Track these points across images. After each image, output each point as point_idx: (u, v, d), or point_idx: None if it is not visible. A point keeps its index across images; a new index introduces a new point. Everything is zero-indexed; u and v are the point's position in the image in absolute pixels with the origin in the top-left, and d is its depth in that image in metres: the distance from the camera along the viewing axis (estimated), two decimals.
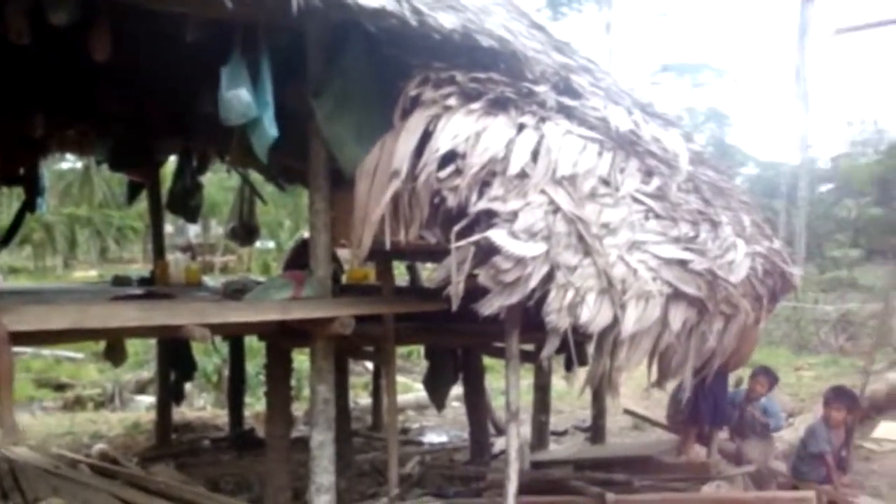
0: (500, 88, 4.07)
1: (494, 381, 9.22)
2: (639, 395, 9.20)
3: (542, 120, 4.02)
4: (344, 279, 6.68)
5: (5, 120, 6.51)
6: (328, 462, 4.53)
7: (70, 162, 22.86)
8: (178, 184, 7.76)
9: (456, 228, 3.50)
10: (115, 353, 6.43)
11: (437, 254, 3.91)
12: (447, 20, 3.96)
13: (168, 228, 23.91)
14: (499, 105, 3.96)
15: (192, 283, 6.80)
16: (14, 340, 3.58)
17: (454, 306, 3.49)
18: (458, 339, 6.04)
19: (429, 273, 7.32)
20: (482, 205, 3.52)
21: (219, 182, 21.22)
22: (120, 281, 6.95)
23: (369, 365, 9.90)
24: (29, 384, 12.19)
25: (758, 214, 5.11)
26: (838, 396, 6.44)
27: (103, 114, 6.98)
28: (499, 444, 7.30)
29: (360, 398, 10.27)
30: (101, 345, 7.75)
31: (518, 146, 3.76)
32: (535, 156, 3.77)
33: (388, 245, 3.77)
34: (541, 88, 4.29)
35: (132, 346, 12.77)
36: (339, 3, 3.71)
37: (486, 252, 3.43)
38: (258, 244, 21.40)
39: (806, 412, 8.91)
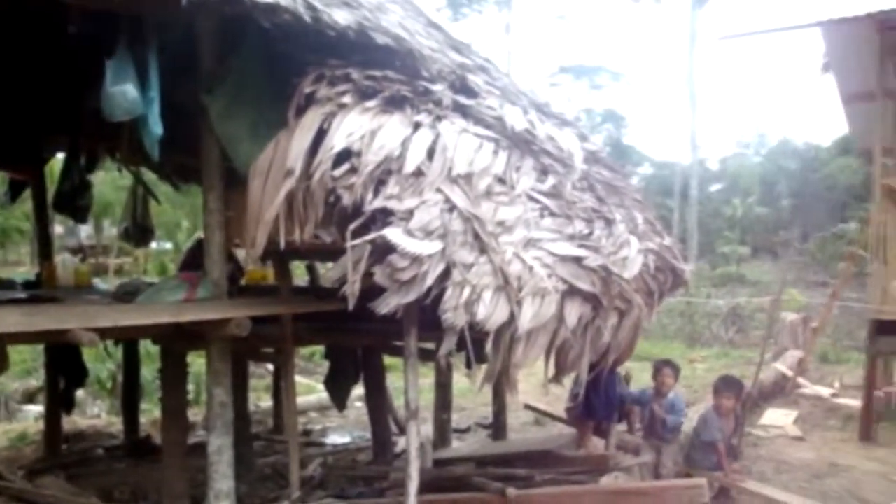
0: (396, 87, 4.05)
1: (396, 380, 9.22)
2: (540, 390, 9.35)
3: (439, 118, 4.03)
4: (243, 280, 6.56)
5: None
6: (227, 467, 4.41)
7: None
8: (65, 182, 7.41)
9: (351, 227, 3.47)
10: None
11: (334, 253, 3.87)
12: (342, 17, 3.92)
13: (58, 229, 22.96)
14: (394, 103, 3.95)
15: (81, 285, 6.50)
16: None
17: (350, 306, 3.47)
18: (358, 338, 6.01)
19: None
20: (378, 203, 3.50)
21: (112, 181, 20.47)
22: (2, 284, 6.61)
23: (271, 367, 9.75)
24: None
25: (650, 212, 5.25)
26: (728, 385, 6.71)
27: None
28: (401, 443, 7.27)
29: (262, 401, 10.11)
30: None
31: (414, 144, 3.75)
32: (430, 154, 3.78)
33: (282, 245, 3.71)
34: (437, 87, 4.29)
35: (19, 353, 12.17)
36: None
37: (382, 251, 3.41)
38: (154, 245, 20.81)
39: (699, 403, 9.24)
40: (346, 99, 3.84)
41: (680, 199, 34.83)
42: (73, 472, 6.95)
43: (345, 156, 3.62)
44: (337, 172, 3.57)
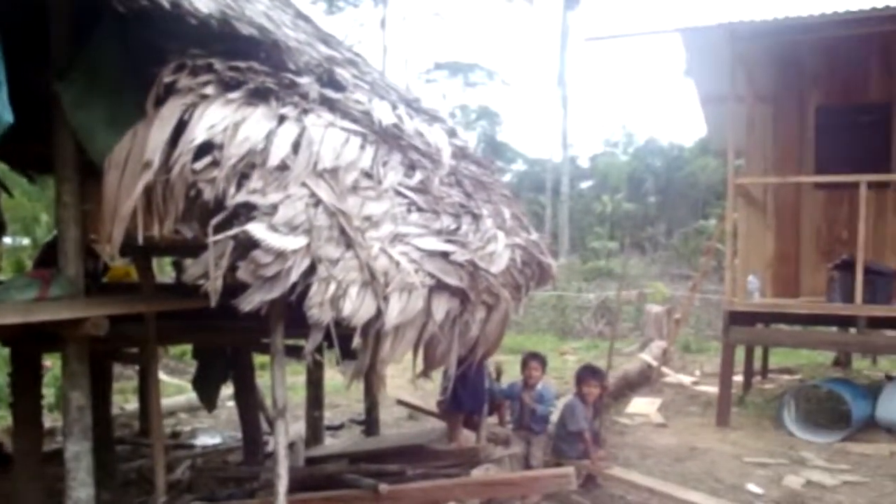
0: (261, 78, 3.95)
1: (268, 379, 9.05)
2: (413, 384, 9.40)
3: (305, 112, 3.96)
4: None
5: None
6: (86, 474, 4.22)
7: None
8: None
9: (213, 222, 3.36)
10: None
11: (197, 249, 3.75)
12: (203, 4, 3.79)
13: None
14: (259, 95, 3.85)
15: None
16: None
17: (212, 303, 3.37)
18: (226, 336, 5.86)
19: None
20: (241, 198, 3.40)
21: None
22: None
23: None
24: None
25: (518, 207, 5.35)
26: (592, 374, 6.92)
27: None
28: (273, 442, 7.18)
29: (130, 403, 9.73)
30: None
31: (278, 138, 3.67)
32: (296, 148, 3.70)
33: (140, 240, 3.56)
34: (304, 80, 4.22)
35: None
36: None
37: (246, 246, 3.33)
38: (9, 241, 19.60)
39: (569, 394, 9.51)
40: (209, 90, 3.71)
41: (552, 196, 35.82)
42: None
43: (206, 148, 3.50)
44: (198, 165, 3.45)
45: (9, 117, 3.80)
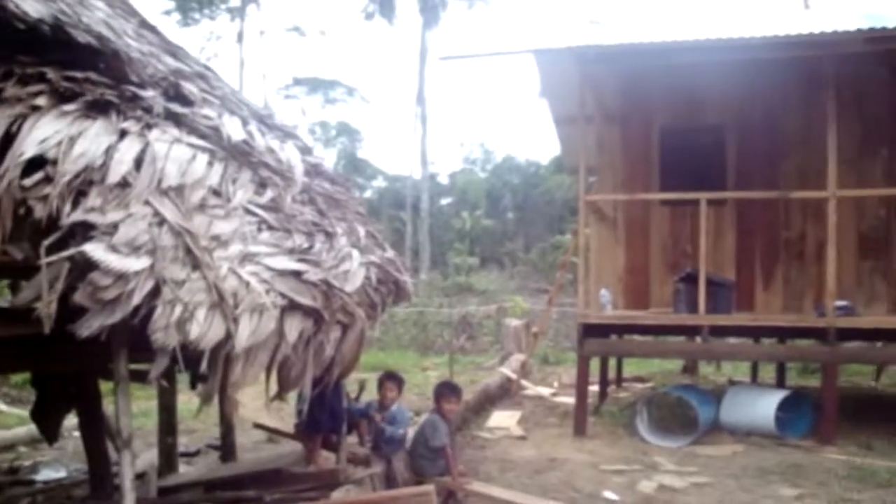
0: (100, 90, 3.75)
1: None
2: (267, 407, 9.17)
3: (148, 126, 3.78)
4: None
5: None
6: None
7: None
8: None
9: (46, 242, 3.16)
10: None
11: (29, 271, 3.50)
12: (33, 8, 3.56)
13: None
14: (98, 108, 3.65)
15: None
16: None
17: (46, 329, 3.15)
18: (69, 362, 5.50)
19: None
20: (77, 216, 3.21)
21: None
22: None
23: None
24: None
25: (372, 225, 5.30)
26: (451, 390, 6.95)
27: None
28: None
29: None
30: None
31: (119, 153, 3.49)
32: (138, 164, 3.53)
33: None
34: (148, 93, 4.03)
35: None
36: None
37: (83, 268, 3.13)
38: None
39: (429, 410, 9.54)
40: (41, 101, 3.49)
41: (412, 213, 36.05)
42: None
43: (38, 163, 3.28)
44: (28, 182, 3.22)
45: None
